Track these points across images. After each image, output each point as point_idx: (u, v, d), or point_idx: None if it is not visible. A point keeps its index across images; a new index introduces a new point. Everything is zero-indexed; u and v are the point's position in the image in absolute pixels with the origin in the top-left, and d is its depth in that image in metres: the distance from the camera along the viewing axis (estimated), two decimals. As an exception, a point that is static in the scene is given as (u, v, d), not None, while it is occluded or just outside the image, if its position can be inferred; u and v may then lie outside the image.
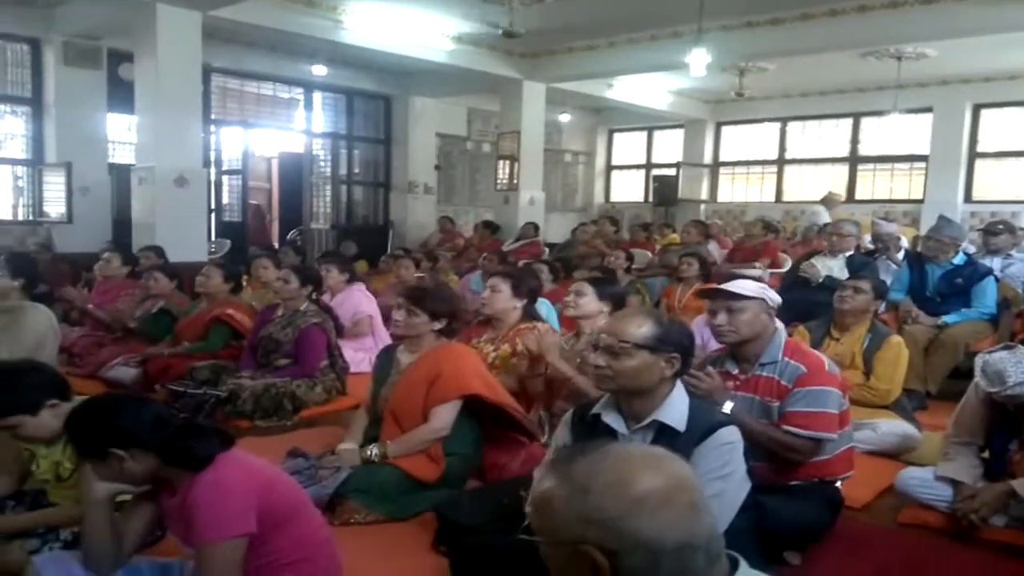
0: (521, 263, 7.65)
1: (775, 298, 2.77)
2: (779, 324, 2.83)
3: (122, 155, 9.08)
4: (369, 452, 2.94)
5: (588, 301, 3.40)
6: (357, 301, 5.33)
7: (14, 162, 8.58)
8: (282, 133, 11.55)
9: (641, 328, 2.06)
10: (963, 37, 7.85)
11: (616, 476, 1.03)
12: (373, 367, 3.35)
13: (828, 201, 10.44)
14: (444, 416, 2.95)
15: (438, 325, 3.10)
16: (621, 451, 1.08)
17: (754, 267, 7.09)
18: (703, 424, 2.00)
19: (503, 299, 3.75)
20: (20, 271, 4.31)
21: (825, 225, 8.42)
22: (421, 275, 6.55)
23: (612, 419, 2.10)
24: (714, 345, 2.97)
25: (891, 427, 3.65)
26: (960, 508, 2.73)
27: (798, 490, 2.61)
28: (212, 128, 9.82)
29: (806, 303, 4.77)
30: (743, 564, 1.08)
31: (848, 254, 5.70)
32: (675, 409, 2.05)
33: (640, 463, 1.05)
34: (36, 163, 8.43)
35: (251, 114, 10.49)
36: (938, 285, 5.04)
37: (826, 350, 3.74)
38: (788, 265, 6.90)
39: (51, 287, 6.20)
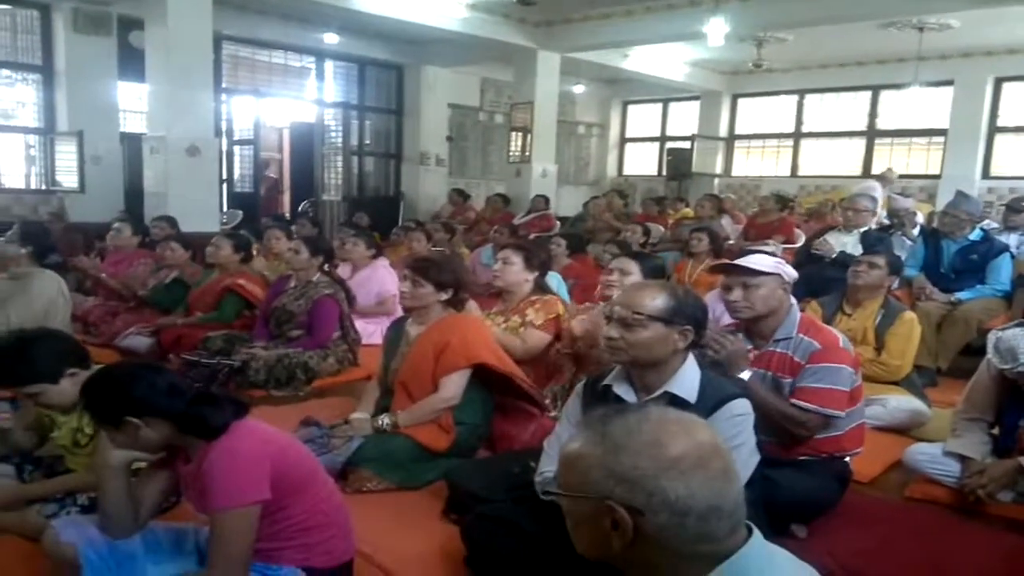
0: (532, 236, 7.66)
1: (791, 273, 2.76)
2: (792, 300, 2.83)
3: (134, 124, 9.09)
4: (381, 422, 2.98)
5: (635, 279, 3.33)
6: (382, 278, 5.32)
7: (26, 130, 8.61)
8: (294, 102, 11.52)
9: (655, 300, 2.06)
10: (987, 7, 7.71)
11: (653, 436, 1.06)
12: (383, 340, 3.38)
13: (884, 178, 9.79)
14: (453, 385, 2.98)
15: (444, 295, 3.11)
16: (658, 413, 1.11)
17: (766, 244, 7.07)
18: (714, 396, 2.02)
19: (515, 271, 3.75)
20: (33, 240, 4.35)
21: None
22: (436, 247, 6.55)
23: (623, 390, 2.11)
24: (727, 319, 2.96)
25: (901, 403, 3.65)
26: (968, 483, 2.74)
27: (807, 465, 2.62)
28: (223, 97, 9.79)
29: (819, 278, 4.75)
30: (757, 533, 1.10)
31: (863, 230, 5.66)
32: (687, 381, 2.06)
33: (677, 426, 1.08)
34: (48, 132, 8.45)
35: (263, 83, 10.46)
36: (953, 261, 5.01)
37: (838, 325, 3.73)
38: (802, 240, 6.87)
39: (64, 256, 6.25)
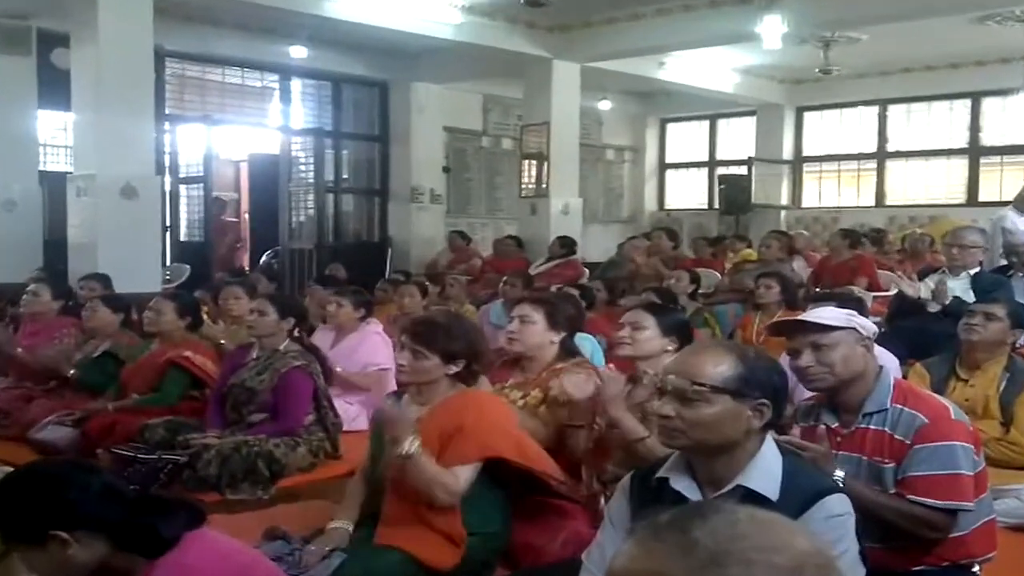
0: (554, 288, 7.62)
1: (868, 326, 2.73)
2: (886, 360, 2.78)
3: (56, 161, 9.22)
4: (408, 445, 2.79)
5: (649, 337, 3.30)
6: (373, 347, 5.28)
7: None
8: (253, 131, 11.68)
9: (720, 366, 2.03)
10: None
11: (765, 540, 1.02)
12: (371, 424, 3.33)
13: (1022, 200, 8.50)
14: (461, 478, 2.91)
15: (454, 368, 3.06)
16: (747, 513, 1.08)
17: (849, 290, 7.03)
18: (804, 490, 1.98)
19: (536, 332, 3.71)
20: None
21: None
22: (428, 305, 6.53)
23: (683, 485, 2.07)
24: (802, 392, 2.91)
25: (1040, 494, 3.56)
26: None
27: (924, 577, 2.55)
28: (167, 126, 9.92)
29: (922, 334, 4.70)
30: None
31: (973, 271, 5.61)
32: (765, 471, 2.02)
33: (780, 528, 1.05)
34: (-50, 173, 8.58)
35: (215, 108, 10.63)
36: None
37: (951, 395, 3.68)
38: (894, 286, 6.82)
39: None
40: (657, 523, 1.10)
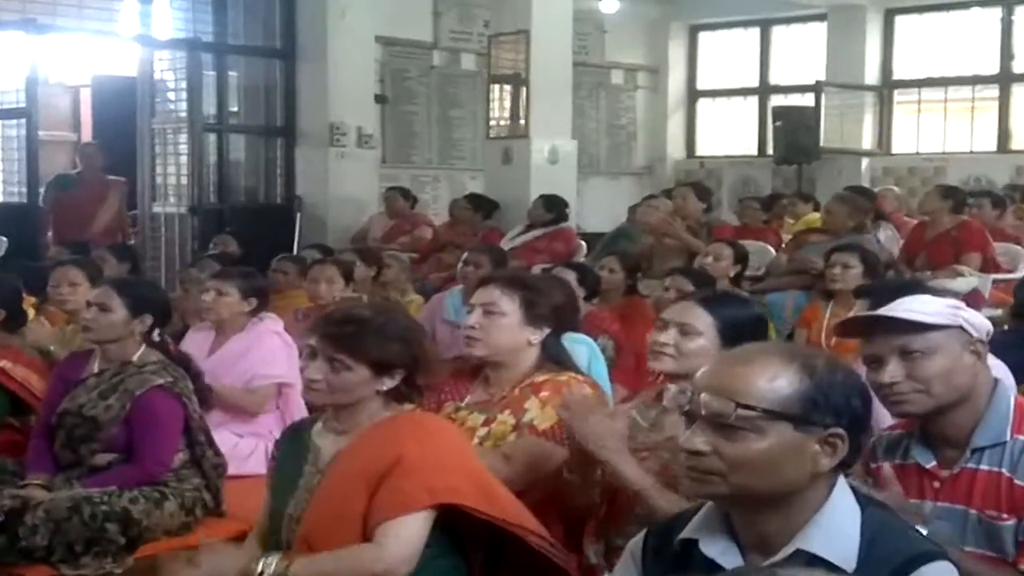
0: (537, 268, 7.59)
1: (980, 324, 2.74)
2: (1003, 373, 2.78)
3: None
4: (262, 566, 2.89)
5: (704, 347, 3.22)
6: (269, 353, 5.28)
7: None
8: (99, 41, 11.56)
9: (777, 380, 2.03)
10: None
11: None
12: (270, 464, 3.34)
13: None
14: (402, 539, 2.92)
15: (387, 383, 3.10)
16: None
17: (956, 270, 7.08)
18: (891, 555, 1.99)
19: (507, 328, 3.71)
20: None
21: None
22: (356, 293, 6.52)
23: (718, 549, 2.08)
24: (886, 416, 2.91)
25: None
26: None
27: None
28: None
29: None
30: None
31: None
32: (836, 529, 2.03)
33: None
34: None
35: (42, 9, 10.53)
36: None
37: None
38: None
39: None
40: None
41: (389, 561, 2.90)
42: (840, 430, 2.02)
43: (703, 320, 3.29)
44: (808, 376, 2.03)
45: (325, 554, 2.95)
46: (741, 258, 6.78)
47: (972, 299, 5.99)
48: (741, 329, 3.25)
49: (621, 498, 3.20)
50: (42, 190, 10.47)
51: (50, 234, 10.34)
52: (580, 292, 5.83)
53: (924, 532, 2.52)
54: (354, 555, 2.93)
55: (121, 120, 11.35)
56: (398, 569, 2.90)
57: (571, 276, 5.87)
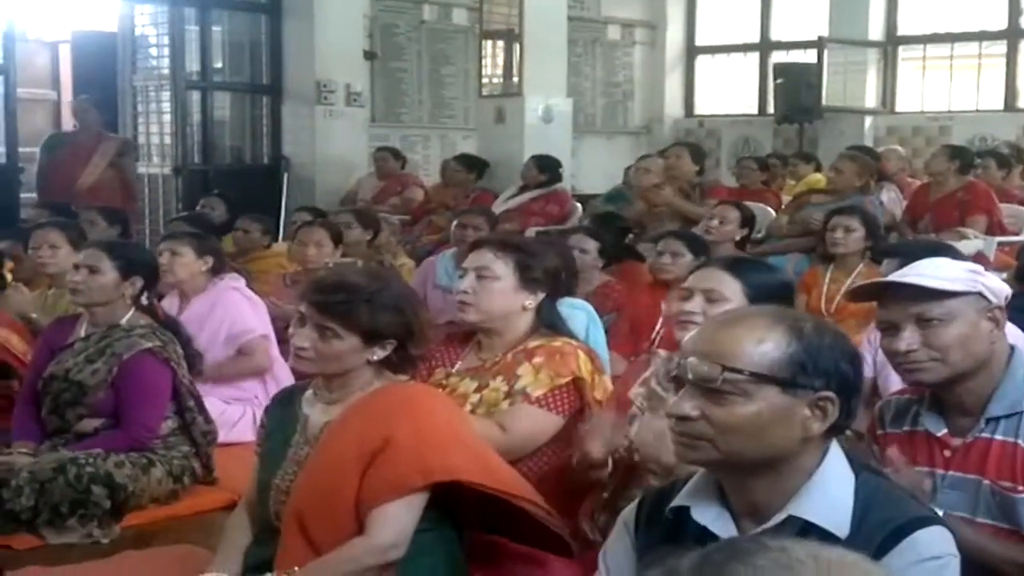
0: (532, 231, 7.59)
1: (999, 289, 2.74)
2: (1018, 338, 2.78)
3: None
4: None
5: (732, 310, 3.14)
6: (234, 310, 5.35)
7: None
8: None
9: (764, 344, 2.04)
10: None
11: None
12: (259, 431, 3.34)
13: None
14: (396, 522, 2.93)
15: (379, 353, 3.10)
16: (812, 550, 1.14)
17: (961, 233, 7.08)
18: (884, 522, 2.00)
19: (501, 292, 3.73)
20: None
21: None
22: (346, 257, 6.52)
23: (710, 516, 2.10)
24: (893, 383, 2.92)
25: None
26: None
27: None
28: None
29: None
30: None
31: None
32: (829, 495, 2.05)
33: (863, 568, 1.12)
34: None
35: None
36: None
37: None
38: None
39: None
40: (676, 572, 1.09)
41: (383, 544, 2.92)
42: (830, 393, 2.04)
43: (731, 287, 3.27)
44: (796, 339, 2.05)
45: (318, 561, 2.94)
46: (747, 221, 6.78)
47: (976, 262, 5.99)
48: (771, 294, 3.23)
49: (630, 471, 3.20)
50: (36, 151, 10.35)
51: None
52: (599, 262, 5.86)
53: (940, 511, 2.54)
54: (348, 551, 2.94)
55: (102, 77, 11.38)
56: (390, 553, 2.92)
57: (591, 245, 5.88)
